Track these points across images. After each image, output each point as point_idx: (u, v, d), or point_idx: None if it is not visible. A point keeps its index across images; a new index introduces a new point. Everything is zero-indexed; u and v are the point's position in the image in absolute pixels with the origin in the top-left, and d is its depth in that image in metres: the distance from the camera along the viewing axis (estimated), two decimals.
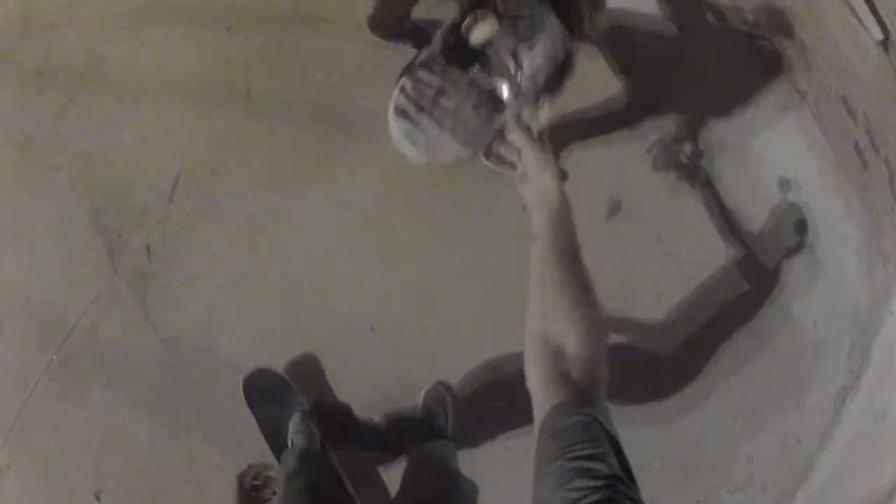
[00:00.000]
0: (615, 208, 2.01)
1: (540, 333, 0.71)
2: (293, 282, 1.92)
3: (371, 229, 1.94)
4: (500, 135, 1.04)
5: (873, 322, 1.96)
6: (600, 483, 0.52)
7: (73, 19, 2.06)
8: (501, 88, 1.27)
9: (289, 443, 1.65)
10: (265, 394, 1.74)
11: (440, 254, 1.94)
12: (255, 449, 1.76)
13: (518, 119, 1.25)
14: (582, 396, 0.63)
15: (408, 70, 1.28)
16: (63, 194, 1.97)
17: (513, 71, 1.27)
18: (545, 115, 1.46)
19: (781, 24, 1.96)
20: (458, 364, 1.87)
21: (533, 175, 0.93)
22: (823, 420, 1.89)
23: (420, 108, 1.24)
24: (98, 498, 1.91)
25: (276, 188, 1.97)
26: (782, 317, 1.95)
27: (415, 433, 1.75)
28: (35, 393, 1.90)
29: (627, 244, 1.97)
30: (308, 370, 1.84)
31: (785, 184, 2.06)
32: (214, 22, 2.05)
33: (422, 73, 1.25)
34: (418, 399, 1.84)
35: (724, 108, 2.05)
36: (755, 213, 2.01)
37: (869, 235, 1.94)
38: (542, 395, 0.65)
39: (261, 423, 1.75)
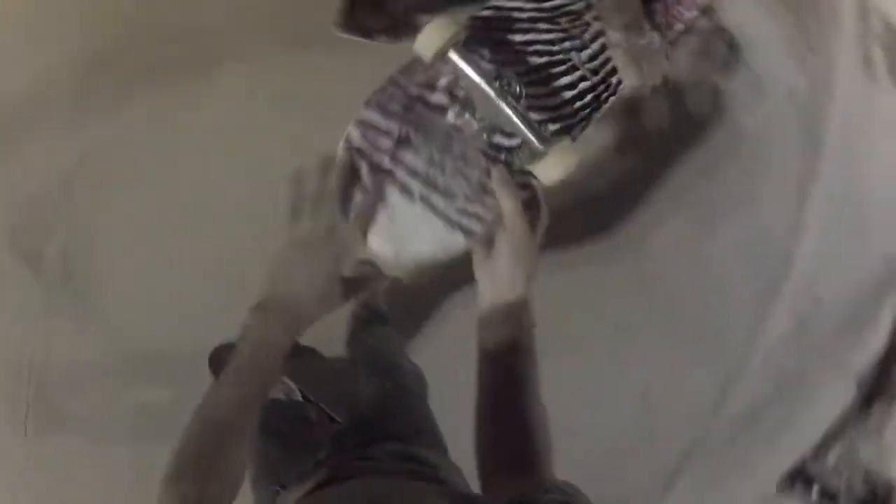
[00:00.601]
0: None
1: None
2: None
3: None
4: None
5: (815, 110, 1.93)
6: None
7: None
8: (497, 126, 0.79)
9: None
10: None
11: None
12: None
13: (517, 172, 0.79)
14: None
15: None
16: None
17: (507, 98, 0.77)
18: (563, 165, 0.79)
19: None
20: None
21: (503, 269, 0.71)
22: (788, 211, 1.88)
23: (376, 169, 0.78)
24: None
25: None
26: (728, 131, 1.91)
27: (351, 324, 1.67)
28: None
29: None
30: None
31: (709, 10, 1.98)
32: None
33: (371, 115, 0.79)
34: None
35: None
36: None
37: (794, 32, 1.90)
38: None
39: None
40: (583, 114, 0.88)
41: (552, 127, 0.84)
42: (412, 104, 0.79)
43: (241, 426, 0.63)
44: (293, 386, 1.62)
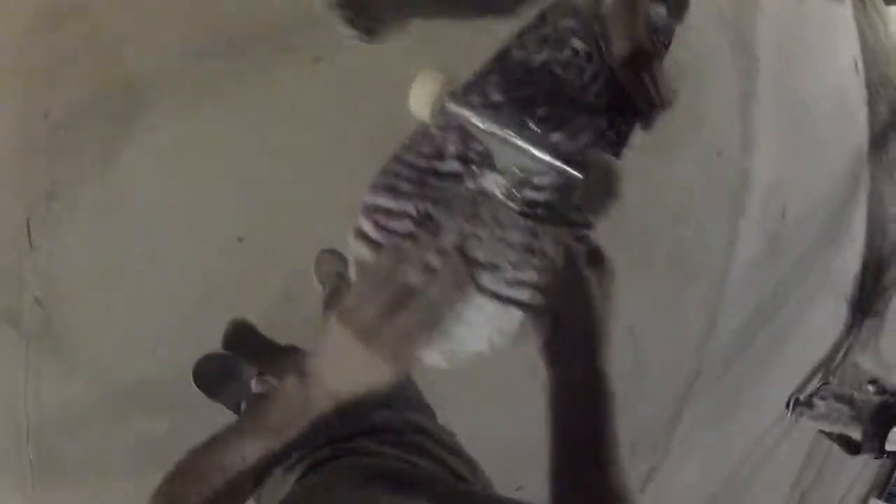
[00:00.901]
0: None
1: None
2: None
3: None
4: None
5: (745, 26, 1.95)
6: None
7: None
8: (525, 179, 0.68)
9: None
10: (218, 379, 1.67)
11: None
12: None
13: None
14: None
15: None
16: None
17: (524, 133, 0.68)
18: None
19: None
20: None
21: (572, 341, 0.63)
22: (735, 128, 1.90)
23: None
24: None
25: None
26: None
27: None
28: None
29: None
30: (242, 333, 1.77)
31: None
32: None
33: (380, 199, 0.67)
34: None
35: None
36: None
37: None
38: None
39: (232, 408, 1.70)
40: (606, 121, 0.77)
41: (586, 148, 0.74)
42: (424, 178, 0.68)
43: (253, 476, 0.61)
44: (275, 384, 1.63)
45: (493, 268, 0.64)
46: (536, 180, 0.67)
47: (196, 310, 1.82)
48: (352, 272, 0.66)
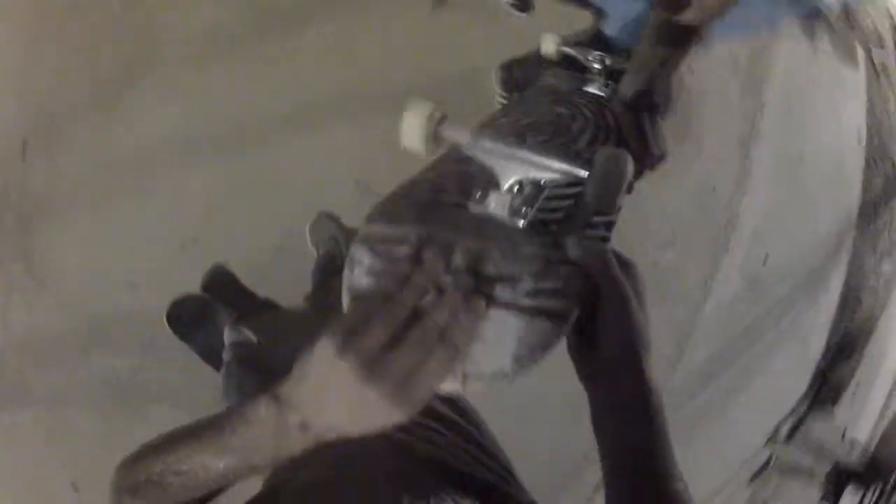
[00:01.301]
0: None
1: None
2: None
3: None
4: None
5: (758, 72, 2.01)
6: None
7: None
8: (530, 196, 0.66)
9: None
10: (192, 320, 1.67)
11: None
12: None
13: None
14: None
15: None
16: None
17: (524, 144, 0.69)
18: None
19: None
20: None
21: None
22: (732, 167, 1.95)
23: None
24: (76, 489, 1.87)
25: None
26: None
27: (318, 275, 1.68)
28: None
29: None
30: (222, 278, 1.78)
31: None
32: None
33: (378, 228, 0.63)
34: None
35: None
36: None
37: None
38: None
39: (200, 352, 1.69)
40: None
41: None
42: (424, 208, 0.64)
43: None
44: (253, 338, 1.63)
45: (511, 280, 0.58)
46: (545, 190, 0.65)
47: (180, 253, 1.83)
48: (345, 302, 0.59)
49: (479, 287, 0.55)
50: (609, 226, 0.66)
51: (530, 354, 0.56)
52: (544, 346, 0.56)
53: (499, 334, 0.55)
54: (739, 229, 1.98)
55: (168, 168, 1.85)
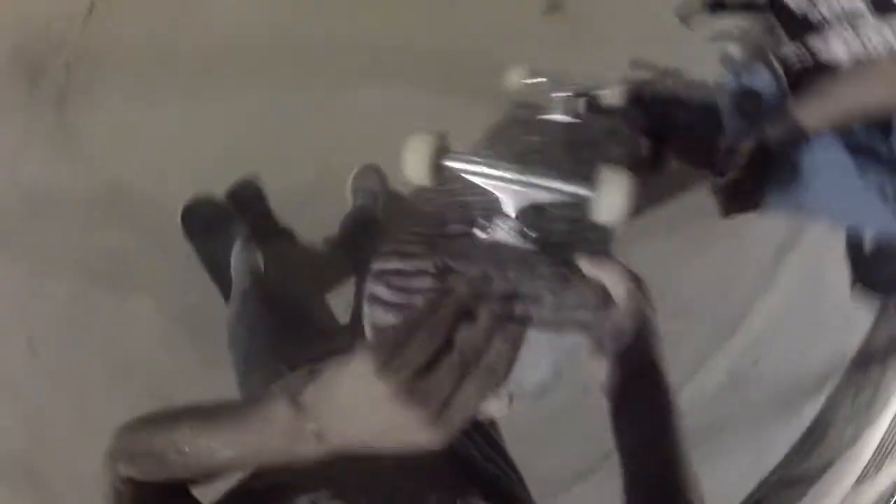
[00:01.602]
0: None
1: None
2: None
3: None
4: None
5: None
6: None
7: None
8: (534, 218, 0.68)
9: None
10: (205, 223, 1.66)
11: None
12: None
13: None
14: None
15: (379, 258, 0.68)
16: None
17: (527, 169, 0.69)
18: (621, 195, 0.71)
19: None
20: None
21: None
22: (761, 267, 1.97)
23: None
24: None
25: None
26: None
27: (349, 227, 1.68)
28: None
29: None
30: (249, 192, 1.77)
31: None
32: None
33: (392, 264, 0.65)
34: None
35: None
36: None
37: None
38: None
39: (203, 257, 1.67)
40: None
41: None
42: (433, 241, 0.67)
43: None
44: (259, 263, 1.63)
45: (535, 298, 0.61)
46: (548, 212, 0.68)
47: (213, 162, 1.79)
48: (368, 334, 0.62)
49: (510, 310, 0.57)
50: (609, 241, 0.71)
51: (564, 365, 0.61)
52: (574, 356, 0.61)
53: (533, 351, 0.54)
54: (739, 331, 2.00)
55: (223, 78, 1.83)
